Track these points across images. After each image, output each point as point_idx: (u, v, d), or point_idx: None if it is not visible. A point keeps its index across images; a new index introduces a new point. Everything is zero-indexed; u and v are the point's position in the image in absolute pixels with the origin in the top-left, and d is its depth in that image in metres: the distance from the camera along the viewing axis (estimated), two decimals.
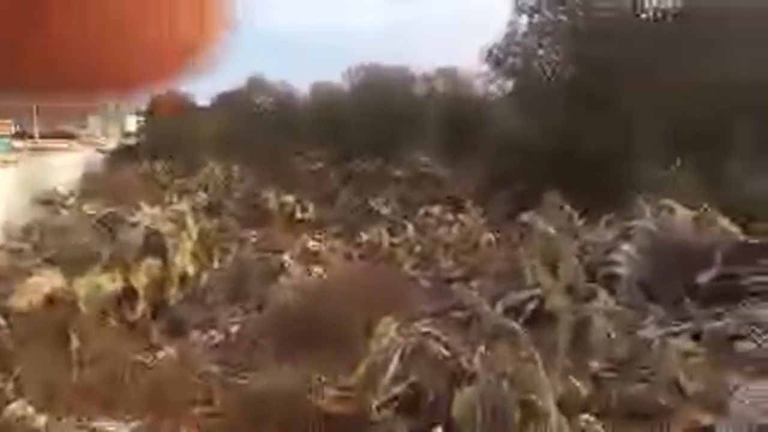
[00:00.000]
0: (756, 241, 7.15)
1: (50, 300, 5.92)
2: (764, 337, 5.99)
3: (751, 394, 4.84)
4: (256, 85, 29.06)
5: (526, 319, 6.55)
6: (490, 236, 9.79)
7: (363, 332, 5.39)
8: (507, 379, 4.35)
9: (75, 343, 5.66)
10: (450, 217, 11.61)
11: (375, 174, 17.12)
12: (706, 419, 4.55)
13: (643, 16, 13.38)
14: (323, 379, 5.37)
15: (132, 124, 44.34)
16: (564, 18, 14.09)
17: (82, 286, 6.21)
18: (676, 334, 6.37)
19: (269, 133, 22.05)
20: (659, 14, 13.38)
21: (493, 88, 17.78)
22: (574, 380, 4.92)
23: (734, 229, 7.40)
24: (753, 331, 6.06)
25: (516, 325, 5.39)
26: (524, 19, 14.58)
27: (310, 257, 8.85)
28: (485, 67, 16.34)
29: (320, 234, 11.20)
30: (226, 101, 31.12)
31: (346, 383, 5.06)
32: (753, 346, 5.95)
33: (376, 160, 17.89)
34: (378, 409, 4.48)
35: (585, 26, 13.62)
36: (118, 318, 6.40)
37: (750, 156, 11.92)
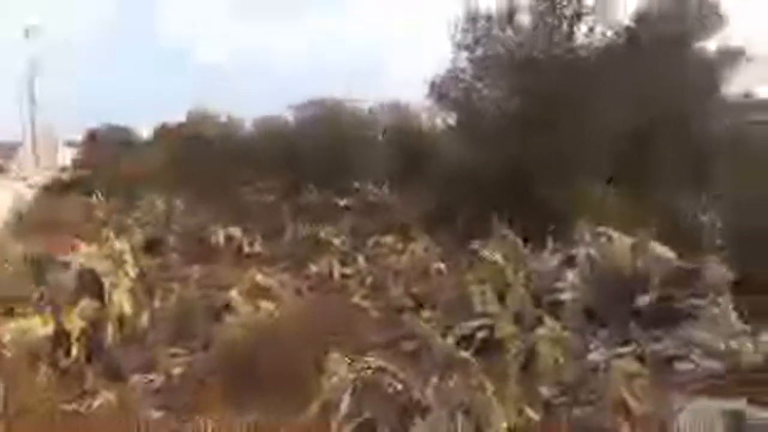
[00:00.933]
0: (690, 265, 7.51)
1: None
2: (701, 357, 6.26)
3: (692, 413, 5.00)
4: (198, 117, 28.62)
5: (477, 348, 6.59)
6: (440, 265, 9.86)
7: (314, 369, 5.26)
8: (461, 409, 4.33)
9: (1, 391, 5.26)
10: (400, 246, 11.65)
11: (324, 205, 17.05)
12: None
13: (580, 52, 14.13)
14: (274, 419, 5.18)
15: (67, 156, 42.61)
16: (501, 52, 14.69)
17: (9, 330, 5.81)
18: (620, 356, 6.56)
19: (213, 165, 21.67)
20: (594, 47, 14.18)
21: (437, 120, 18.26)
22: (525, 408, 4.95)
23: (669, 255, 7.76)
24: (691, 351, 6.31)
25: (467, 355, 5.41)
26: (464, 54, 15.11)
27: (258, 292, 8.62)
28: (429, 101, 16.80)
29: (269, 268, 10.96)
30: (167, 133, 30.47)
31: (299, 423, 4.89)
32: (691, 366, 6.19)
33: (324, 191, 17.85)
34: None
35: (522, 60, 14.25)
36: (49, 363, 5.99)
37: (681, 184, 12.65)
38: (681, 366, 6.27)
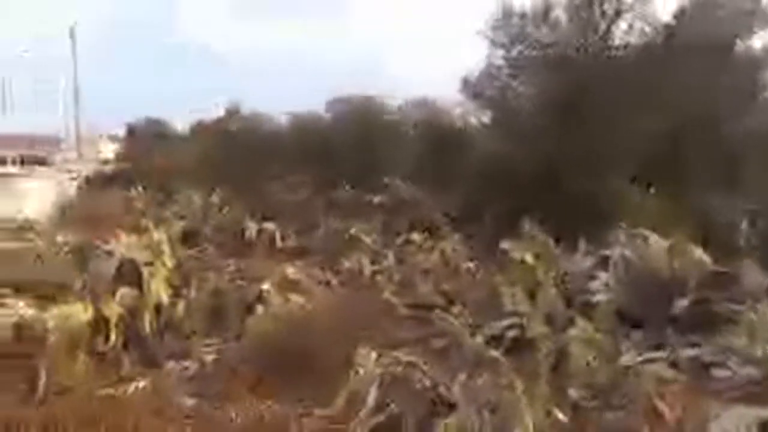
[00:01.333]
0: (728, 270, 7.31)
1: (20, 330, 5.74)
2: (738, 364, 6.08)
3: (727, 420, 4.88)
4: (234, 113, 29.11)
5: (507, 347, 6.55)
6: (470, 264, 9.83)
7: (343, 362, 5.32)
8: (487, 408, 4.32)
9: (44, 374, 5.49)
10: (430, 244, 11.65)
11: (356, 202, 17.15)
12: None
13: (614, 52, 13.83)
14: (302, 409, 5.26)
15: (109, 149, 43.94)
16: (536, 50, 14.49)
17: (51, 316, 6.04)
18: (653, 361, 6.43)
19: (247, 161, 22.01)
20: (632, 46, 13.85)
21: (471, 118, 18.15)
22: (554, 408, 4.91)
23: (706, 259, 7.57)
24: (728, 358, 6.14)
25: (497, 354, 5.38)
26: (500, 53, 14.97)
27: (289, 286, 8.74)
28: (462, 98, 16.72)
29: (301, 262, 11.10)
30: (204, 129, 31.10)
31: (326, 414, 4.96)
32: (728, 373, 6.03)
33: (356, 188, 17.95)
34: None
35: (558, 58, 14.02)
36: (88, 349, 6.21)
37: (719, 187, 12.26)
38: (718, 372, 6.11)
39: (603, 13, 13.90)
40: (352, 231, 13.66)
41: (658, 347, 6.68)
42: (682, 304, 6.99)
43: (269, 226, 13.78)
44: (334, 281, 10.24)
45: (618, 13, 13.83)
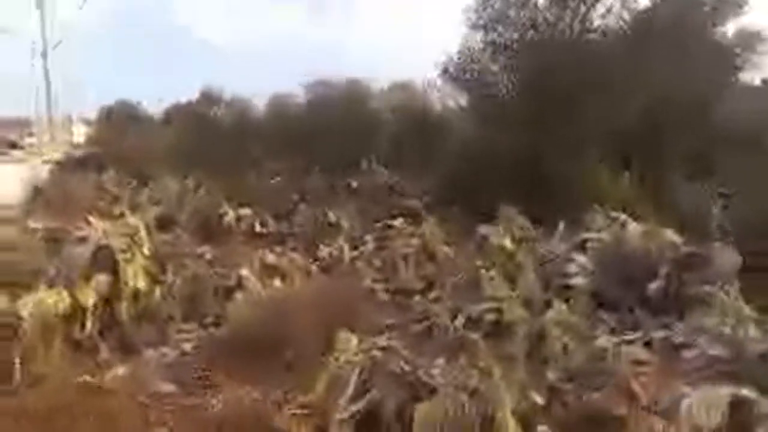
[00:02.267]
0: (700, 251, 7.47)
1: None
2: (708, 344, 6.25)
3: (697, 399, 5.02)
4: (209, 96, 28.59)
5: (485, 330, 6.63)
6: (449, 248, 9.89)
7: (323, 348, 5.33)
8: (467, 391, 4.38)
9: (19, 363, 5.39)
10: (409, 229, 11.66)
11: (334, 186, 17.06)
12: (659, 426, 4.69)
13: (592, 35, 13.91)
14: (282, 396, 5.27)
15: (81, 133, 42.91)
16: (516, 35, 14.49)
17: (25, 304, 5.92)
18: (629, 343, 6.58)
19: (225, 145, 21.70)
20: (609, 30, 13.94)
21: (450, 102, 18.13)
22: (531, 392, 5.00)
23: (679, 241, 7.72)
24: (698, 338, 6.31)
25: (475, 337, 5.44)
26: (478, 36, 14.93)
27: (269, 272, 8.70)
28: (440, 82, 16.68)
29: (279, 248, 11.04)
30: (179, 112, 30.53)
31: (305, 401, 4.98)
32: (698, 353, 6.19)
33: (334, 173, 17.84)
34: (338, 426, 4.43)
35: (536, 42, 14.04)
36: (64, 337, 6.11)
37: (694, 171, 12.50)
38: (688, 353, 6.27)
39: None
40: (331, 216, 13.61)
41: (633, 329, 6.83)
42: (655, 286, 7.14)
43: (247, 211, 13.65)
44: (314, 267, 10.22)
45: None
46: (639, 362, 6.14)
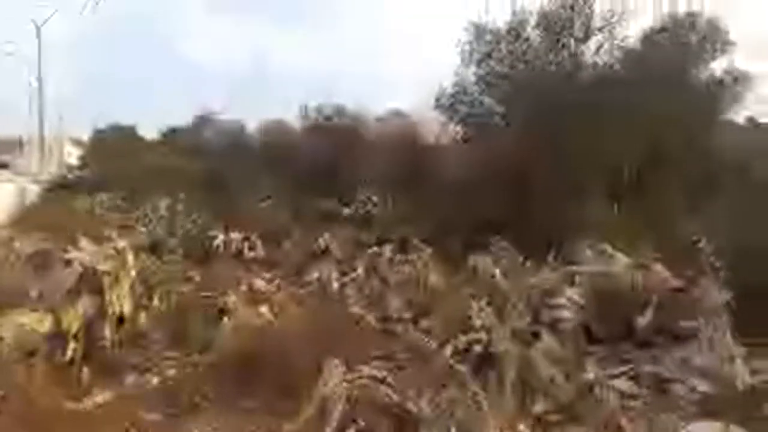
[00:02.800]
0: (689, 287, 7.52)
1: None
2: (697, 379, 6.25)
3: None
4: (203, 120, 28.78)
5: (474, 361, 6.59)
6: (438, 278, 9.87)
7: (310, 375, 5.27)
8: (454, 422, 4.34)
9: None
10: (399, 258, 11.65)
11: (325, 213, 17.08)
12: None
13: (583, 72, 14.23)
14: (268, 424, 5.18)
15: (72, 155, 42.81)
16: (507, 70, 14.80)
17: (7, 326, 5.82)
18: (616, 376, 6.56)
19: (216, 168, 21.76)
20: (599, 67, 14.27)
21: (442, 134, 18.36)
22: (519, 423, 4.96)
23: (668, 275, 7.77)
24: (687, 374, 6.30)
25: (463, 368, 5.41)
26: (471, 70, 15.23)
27: (257, 297, 8.63)
28: (434, 113, 16.92)
29: (268, 273, 10.98)
30: (173, 136, 30.65)
31: (292, 428, 4.90)
32: (687, 388, 6.19)
33: (326, 200, 17.89)
34: None
35: (529, 77, 14.34)
36: (46, 361, 6.00)
37: (682, 206, 12.66)
38: (677, 388, 6.26)
39: (572, 34, 14.31)
40: (321, 243, 13.58)
41: (620, 363, 6.81)
42: (643, 320, 7.15)
43: (236, 235, 13.60)
44: (302, 293, 10.16)
45: (588, 35, 14.26)
46: (627, 396, 6.13)
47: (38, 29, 36.68)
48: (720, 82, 15.19)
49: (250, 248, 13.40)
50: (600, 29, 14.19)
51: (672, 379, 6.33)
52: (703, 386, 6.09)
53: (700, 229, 11.32)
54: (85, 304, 6.38)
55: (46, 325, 6.03)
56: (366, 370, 4.98)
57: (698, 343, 6.72)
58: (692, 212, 12.51)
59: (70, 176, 28.94)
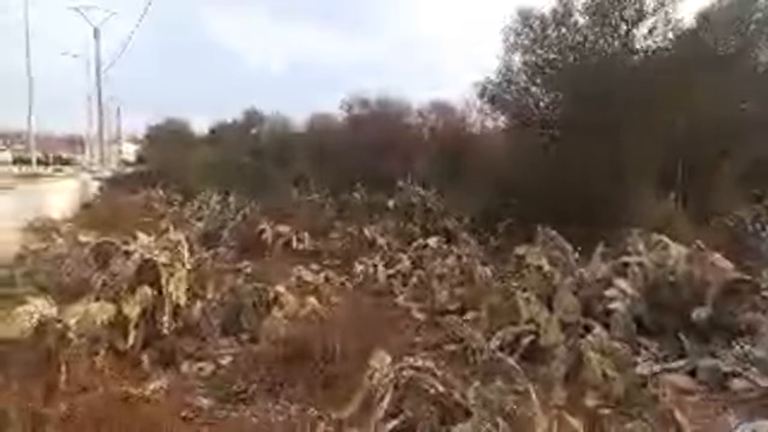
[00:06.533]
0: (748, 277, 7.18)
1: (40, 329, 5.84)
2: (759, 375, 5.97)
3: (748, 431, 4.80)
4: (252, 115, 29.40)
5: (522, 353, 6.52)
6: (485, 269, 9.79)
7: (357, 365, 5.34)
8: (502, 415, 4.30)
9: (64, 372, 5.58)
10: (445, 248, 11.62)
11: (371, 205, 17.19)
12: None
13: (635, 56, 13.69)
14: (316, 413, 5.30)
15: (130, 150, 44.62)
16: (556, 56, 14.40)
17: (72, 314, 6.14)
18: (671, 371, 6.35)
19: (265, 163, 22.21)
20: (650, 53, 13.69)
21: (487, 123, 18.11)
22: (568, 417, 4.87)
23: (727, 266, 7.44)
24: (747, 368, 6.04)
25: (511, 360, 5.36)
26: (517, 57, 14.91)
27: (305, 288, 8.81)
28: (479, 102, 16.68)
29: (315, 264, 11.17)
30: (223, 130, 31.46)
31: (339, 418, 4.99)
32: (747, 384, 5.93)
33: (372, 191, 17.99)
34: None
35: (577, 63, 13.92)
36: (108, 348, 6.31)
37: (741, 195, 12.07)
38: (737, 383, 6.01)
39: (623, 17, 13.78)
40: (368, 234, 13.70)
41: (676, 357, 6.60)
42: (701, 312, 6.88)
43: (285, 228, 13.88)
44: (350, 285, 10.28)
45: (640, 17, 13.69)
46: (683, 391, 5.93)
47: (96, 31, 38.28)
48: None
49: (298, 240, 13.65)
50: (653, 11, 13.60)
51: (731, 373, 6.07)
52: (764, 381, 5.82)
53: (761, 217, 10.78)
54: (144, 294, 6.67)
55: (108, 314, 6.33)
56: (413, 360, 5.00)
57: (759, 336, 6.42)
58: (752, 201, 11.91)
59: (128, 171, 30.18)
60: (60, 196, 18.90)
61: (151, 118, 40.52)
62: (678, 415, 5.06)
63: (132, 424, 4.80)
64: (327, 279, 10.00)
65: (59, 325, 5.90)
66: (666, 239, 8.29)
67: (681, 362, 6.49)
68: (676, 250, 7.96)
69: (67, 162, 39.58)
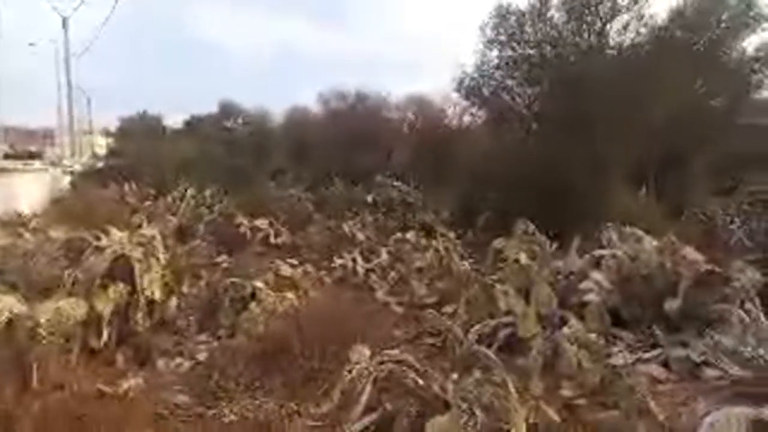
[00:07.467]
0: (718, 269, 7.35)
1: (10, 326, 5.69)
2: (729, 364, 6.13)
3: (717, 420, 4.91)
4: (227, 108, 29.01)
5: (500, 345, 6.58)
6: (464, 262, 9.85)
7: (336, 360, 5.33)
8: (480, 406, 4.34)
9: (36, 371, 5.45)
10: (423, 243, 11.66)
11: (349, 199, 17.14)
12: None
13: (610, 52, 13.88)
14: (294, 408, 5.27)
15: (101, 145, 43.69)
16: (532, 52, 14.52)
17: (44, 312, 6.00)
18: (645, 361, 6.48)
19: (242, 156, 21.97)
20: (624, 48, 13.90)
21: (465, 117, 18.20)
22: (546, 407, 4.93)
23: (698, 258, 7.61)
24: (718, 358, 6.19)
25: (489, 352, 5.40)
26: (494, 52, 14.99)
27: (283, 282, 8.75)
28: (456, 96, 16.76)
29: (294, 259, 11.09)
30: (197, 124, 31.01)
31: (318, 412, 4.97)
32: (718, 373, 6.07)
33: (350, 185, 17.94)
34: None
35: (553, 58, 14.06)
36: (81, 345, 6.18)
37: (713, 187, 12.35)
38: (708, 372, 6.16)
39: (597, 13, 13.95)
40: (346, 228, 13.66)
41: (650, 347, 6.73)
42: (673, 303, 7.02)
43: (262, 222, 13.76)
44: (328, 279, 10.25)
45: (614, 14, 13.88)
46: (656, 380, 6.05)
47: (65, 21, 37.28)
48: (755, 60, 14.67)
49: (276, 234, 13.55)
50: (627, 7, 13.80)
51: (703, 362, 6.22)
52: (735, 370, 5.97)
53: (731, 210, 11.05)
54: (117, 291, 6.54)
55: (80, 311, 6.19)
56: (392, 353, 5.01)
57: (729, 327, 6.58)
58: (723, 194, 12.20)
59: (99, 165, 29.56)
60: (29, 191, 18.41)
61: (124, 110, 39.77)
62: (651, 404, 5.16)
63: (107, 423, 4.71)
64: (305, 273, 9.95)
65: (30, 323, 5.76)
66: (640, 232, 8.44)
67: (654, 352, 6.62)
68: (650, 243, 8.10)
69: (36, 156, 38.57)
